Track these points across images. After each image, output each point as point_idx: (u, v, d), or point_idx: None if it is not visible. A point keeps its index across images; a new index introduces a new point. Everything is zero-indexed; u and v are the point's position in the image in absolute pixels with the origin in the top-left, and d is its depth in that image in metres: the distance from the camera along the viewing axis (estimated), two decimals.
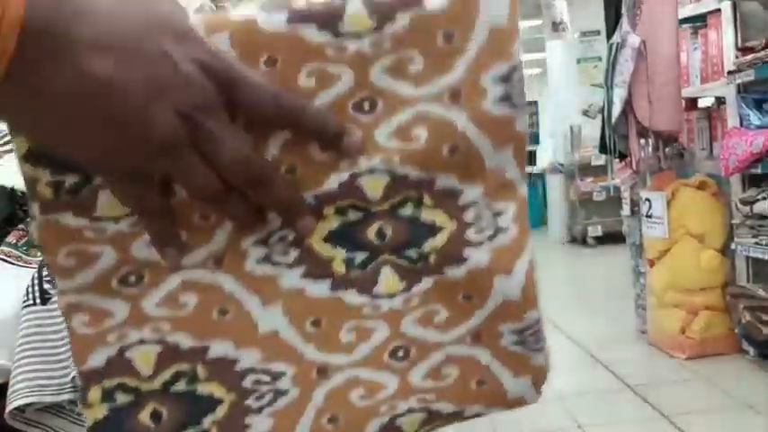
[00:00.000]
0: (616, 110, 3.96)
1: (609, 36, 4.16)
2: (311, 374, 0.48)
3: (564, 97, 9.09)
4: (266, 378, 0.47)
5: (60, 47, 0.36)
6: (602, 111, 4.36)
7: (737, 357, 3.64)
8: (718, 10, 3.79)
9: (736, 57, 3.61)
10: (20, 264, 1.10)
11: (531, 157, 11.43)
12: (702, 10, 3.97)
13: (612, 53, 3.97)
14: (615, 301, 4.93)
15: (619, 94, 3.92)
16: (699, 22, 4.04)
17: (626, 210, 4.37)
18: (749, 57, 3.47)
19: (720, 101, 4.01)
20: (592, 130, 7.12)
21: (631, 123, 3.97)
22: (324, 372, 0.48)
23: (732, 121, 3.68)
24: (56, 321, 1.01)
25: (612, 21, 4.13)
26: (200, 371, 0.46)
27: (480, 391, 0.51)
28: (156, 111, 0.39)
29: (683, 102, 4.02)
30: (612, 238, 7.73)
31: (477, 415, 0.53)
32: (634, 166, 4.08)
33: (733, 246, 3.68)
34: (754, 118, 3.57)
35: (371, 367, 0.48)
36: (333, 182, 0.45)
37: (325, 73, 0.44)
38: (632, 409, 3.17)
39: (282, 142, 0.44)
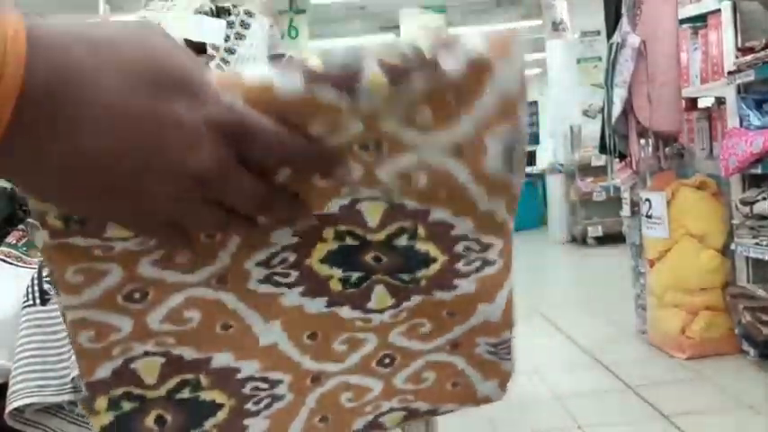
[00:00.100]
0: (616, 110, 3.96)
1: (609, 36, 4.16)
2: (306, 382, 0.52)
3: (564, 97, 9.10)
4: (264, 385, 0.50)
5: (61, 113, 0.35)
6: (602, 111, 4.36)
7: (737, 358, 3.64)
8: (719, 10, 3.79)
9: (737, 57, 3.62)
10: (20, 264, 1.10)
11: (531, 158, 11.44)
12: (702, 10, 3.97)
13: (612, 53, 3.97)
14: (615, 301, 4.93)
15: (619, 94, 3.92)
16: (699, 22, 4.04)
17: (626, 210, 4.37)
18: (749, 57, 3.47)
19: (720, 101, 4.01)
20: (592, 130, 7.12)
21: (631, 123, 3.97)
22: (317, 379, 0.52)
23: (732, 121, 3.68)
24: (56, 321, 1.01)
25: (612, 21, 4.13)
26: (204, 380, 0.49)
27: (454, 392, 0.57)
28: (161, 180, 0.38)
29: (683, 102, 4.03)
30: (612, 238, 7.73)
31: (450, 411, 0.60)
32: (634, 167, 4.08)
33: (733, 246, 3.68)
34: (754, 118, 3.57)
35: (360, 373, 0.53)
36: (334, 205, 0.46)
37: (337, 122, 0.45)
38: (632, 410, 3.17)
39: (288, 173, 0.45)
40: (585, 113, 8.62)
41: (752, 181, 3.66)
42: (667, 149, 4.01)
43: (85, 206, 0.40)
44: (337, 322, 0.51)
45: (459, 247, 0.50)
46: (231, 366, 0.49)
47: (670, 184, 3.82)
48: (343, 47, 0.43)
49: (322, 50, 0.43)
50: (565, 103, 9.06)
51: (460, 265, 0.51)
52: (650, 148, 4.05)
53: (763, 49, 3.39)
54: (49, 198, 0.40)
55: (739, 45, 3.65)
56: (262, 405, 0.51)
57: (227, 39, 1.60)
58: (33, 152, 0.35)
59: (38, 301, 1.02)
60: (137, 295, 0.46)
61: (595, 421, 3.10)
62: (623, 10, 3.95)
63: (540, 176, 9.98)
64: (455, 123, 0.45)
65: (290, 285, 0.48)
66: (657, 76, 3.79)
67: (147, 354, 0.47)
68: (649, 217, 3.90)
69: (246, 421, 0.51)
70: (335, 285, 0.49)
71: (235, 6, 1.62)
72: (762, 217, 3.46)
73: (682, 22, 3.94)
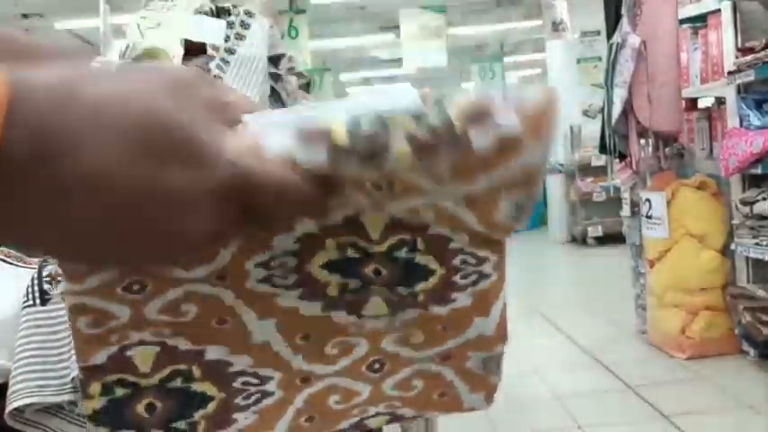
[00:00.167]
0: (616, 110, 3.96)
1: (609, 36, 4.16)
2: (296, 381, 0.53)
3: (564, 97, 9.09)
4: (255, 380, 0.52)
5: (42, 179, 0.32)
6: (602, 111, 4.36)
7: (737, 358, 3.64)
8: (719, 10, 3.80)
9: (737, 57, 3.62)
10: (20, 264, 1.10)
11: None
12: (702, 10, 3.98)
13: (612, 53, 3.97)
14: (615, 302, 4.93)
15: (619, 95, 3.92)
16: (699, 22, 4.05)
17: (626, 210, 4.37)
18: (749, 57, 3.47)
19: (720, 101, 4.01)
20: (592, 130, 7.12)
21: (631, 123, 3.97)
22: (307, 379, 0.54)
23: (732, 121, 3.69)
24: (55, 322, 1.01)
25: (612, 21, 4.14)
26: (196, 371, 0.50)
27: (440, 401, 0.59)
28: (155, 243, 0.36)
29: (683, 102, 4.03)
30: (612, 238, 7.73)
31: (434, 415, 0.64)
32: (634, 167, 4.09)
33: (733, 246, 3.68)
34: (754, 118, 3.57)
35: (350, 377, 0.55)
36: (338, 216, 0.47)
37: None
38: (632, 410, 3.17)
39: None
40: (585, 113, 8.62)
41: (752, 181, 3.66)
42: (667, 149, 4.01)
43: (73, 259, 0.39)
44: (331, 326, 0.52)
45: (457, 261, 0.51)
46: (224, 360, 0.50)
47: (670, 185, 3.82)
48: (368, 109, 0.42)
49: (346, 113, 0.41)
50: (565, 103, 9.05)
51: (458, 279, 0.52)
52: (650, 149, 4.05)
53: (763, 49, 3.40)
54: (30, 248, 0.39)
55: (739, 45, 3.65)
56: (251, 400, 0.52)
57: (227, 39, 1.60)
58: (9, 213, 0.33)
59: (38, 301, 1.02)
60: (135, 287, 0.47)
61: (595, 421, 3.10)
62: (623, 10, 3.96)
63: None
64: (473, 182, 0.46)
65: (287, 287, 0.49)
66: (657, 77, 3.80)
67: (142, 342, 0.48)
68: (649, 217, 3.90)
69: (235, 415, 0.52)
70: (333, 291, 0.50)
71: (235, 6, 1.62)
72: (762, 217, 3.47)
73: (682, 22, 3.94)
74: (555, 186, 9.19)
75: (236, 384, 0.51)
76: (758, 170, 3.46)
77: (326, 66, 12.39)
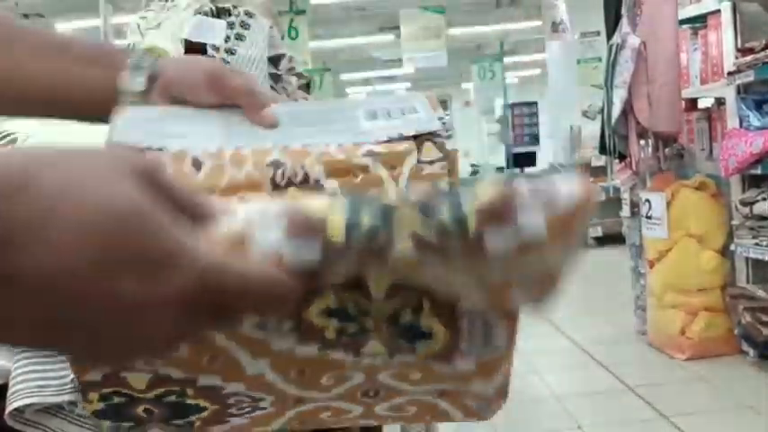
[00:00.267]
0: (616, 110, 3.96)
1: (609, 37, 4.16)
2: (288, 402, 0.53)
3: (564, 97, 9.10)
4: (248, 399, 0.52)
5: None
6: (601, 111, 4.36)
7: (737, 358, 3.64)
8: (718, 11, 3.79)
9: (736, 58, 3.62)
10: None
11: (532, 158, 11.44)
12: (702, 11, 3.97)
13: (612, 54, 3.97)
14: (615, 302, 4.93)
15: (619, 95, 3.92)
16: (699, 22, 4.04)
17: (626, 210, 4.37)
18: (749, 58, 3.47)
19: (720, 102, 4.01)
20: (592, 131, 7.12)
21: (631, 124, 3.97)
22: (300, 401, 0.53)
23: (732, 121, 3.69)
24: None
25: (612, 21, 4.14)
26: (189, 391, 0.50)
27: (432, 419, 0.60)
28: (115, 344, 0.33)
29: (683, 102, 4.03)
30: (612, 238, 7.73)
31: None
32: (634, 167, 4.09)
33: (733, 247, 3.68)
34: (754, 119, 3.57)
35: (344, 401, 0.54)
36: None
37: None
38: (632, 410, 3.17)
39: None
40: (585, 114, 8.62)
41: (752, 181, 3.66)
42: (667, 150, 4.01)
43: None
44: (327, 362, 0.49)
45: (464, 325, 0.47)
46: (217, 385, 0.50)
47: (670, 185, 3.82)
48: (372, 199, 0.37)
49: (346, 197, 0.37)
50: (565, 103, 9.06)
51: (463, 346, 0.48)
52: (650, 149, 4.05)
53: (763, 49, 3.39)
54: None
55: (739, 45, 3.65)
56: (244, 411, 0.53)
57: (227, 39, 1.60)
58: None
59: None
60: None
61: (595, 421, 3.10)
62: (623, 10, 3.96)
63: None
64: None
65: (282, 333, 0.47)
66: (657, 77, 3.79)
67: (135, 369, 0.48)
68: (649, 218, 3.90)
69: (230, 418, 0.53)
70: (331, 334, 0.47)
71: (235, 7, 1.62)
72: (761, 217, 3.47)
73: (682, 22, 3.94)
74: None
75: (230, 401, 0.51)
76: (758, 170, 3.46)
77: (326, 66, 12.39)
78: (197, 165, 0.54)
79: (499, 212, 0.36)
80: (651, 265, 3.96)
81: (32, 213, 0.30)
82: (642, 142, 4.06)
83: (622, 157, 4.18)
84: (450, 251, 0.37)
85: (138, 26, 1.60)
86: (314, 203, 0.37)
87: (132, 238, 0.31)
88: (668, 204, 3.77)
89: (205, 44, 1.66)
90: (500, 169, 12.33)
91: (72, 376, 0.99)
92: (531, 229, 0.36)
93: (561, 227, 0.37)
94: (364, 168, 0.56)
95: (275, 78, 1.70)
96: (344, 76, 15.11)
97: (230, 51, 1.63)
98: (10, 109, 0.75)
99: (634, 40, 3.84)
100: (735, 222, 3.66)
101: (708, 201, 3.80)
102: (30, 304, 0.30)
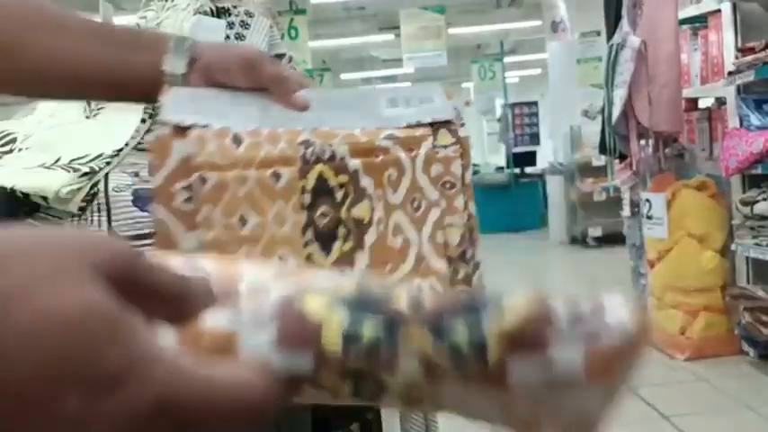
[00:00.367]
0: (616, 110, 3.96)
1: (609, 37, 4.16)
2: None
3: (564, 97, 9.10)
4: None
5: None
6: (602, 111, 4.36)
7: (737, 358, 3.64)
8: (719, 11, 3.79)
9: (737, 57, 3.61)
10: None
11: (532, 158, 11.44)
12: (702, 11, 3.97)
13: (613, 54, 3.97)
14: None
15: (619, 95, 3.92)
16: (699, 22, 4.04)
17: (626, 211, 4.37)
18: (749, 57, 3.47)
19: (720, 101, 4.01)
20: (592, 131, 7.12)
21: (631, 124, 3.97)
22: None
23: (732, 121, 3.68)
24: None
25: (612, 21, 4.14)
26: None
27: None
28: None
29: (684, 102, 4.03)
30: (613, 238, 7.72)
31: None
32: (634, 167, 4.09)
33: (733, 247, 3.68)
34: (754, 119, 3.57)
35: None
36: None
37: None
38: (632, 410, 3.17)
39: None
40: (585, 114, 8.61)
41: (752, 181, 3.66)
42: (667, 150, 4.01)
43: None
44: None
45: None
46: None
47: (670, 185, 3.82)
48: (378, 303, 0.32)
49: (349, 297, 0.32)
50: (565, 103, 9.06)
51: None
52: (650, 149, 4.05)
53: (763, 49, 3.39)
54: None
55: (739, 45, 3.65)
56: None
57: (227, 39, 1.60)
58: None
59: None
60: None
61: None
62: (623, 11, 3.96)
63: (540, 177, 9.98)
64: (504, 406, 0.39)
65: None
66: (658, 77, 3.79)
67: None
68: (649, 218, 3.90)
69: None
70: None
71: (235, 7, 1.62)
72: (762, 217, 3.46)
73: (682, 22, 3.94)
74: (555, 187, 9.18)
75: None
76: (758, 170, 3.46)
77: (326, 66, 12.39)
78: (237, 141, 0.63)
79: (529, 340, 0.30)
80: (651, 265, 3.96)
81: None
82: (642, 142, 4.06)
83: (622, 157, 4.18)
84: (467, 377, 0.31)
85: (138, 26, 1.60)
86: (312, 303, 0.32)
87: (77, 349, 0.26)
88: (668, 204, 3.77)
89: None
90: (500, 169, 12.32)
91: None
92: (565, 364, 0.30)
93: (603, 366, 0.31)
94: (385, 150, 0.66)
95: None
96: (344, 76, 15.11)
97: None
98: (60, 93, 0.78)
99: (634, 40, 3.84)
100: (735, 222, 3.66)
101: (708, 201, 3.80)
102: None
